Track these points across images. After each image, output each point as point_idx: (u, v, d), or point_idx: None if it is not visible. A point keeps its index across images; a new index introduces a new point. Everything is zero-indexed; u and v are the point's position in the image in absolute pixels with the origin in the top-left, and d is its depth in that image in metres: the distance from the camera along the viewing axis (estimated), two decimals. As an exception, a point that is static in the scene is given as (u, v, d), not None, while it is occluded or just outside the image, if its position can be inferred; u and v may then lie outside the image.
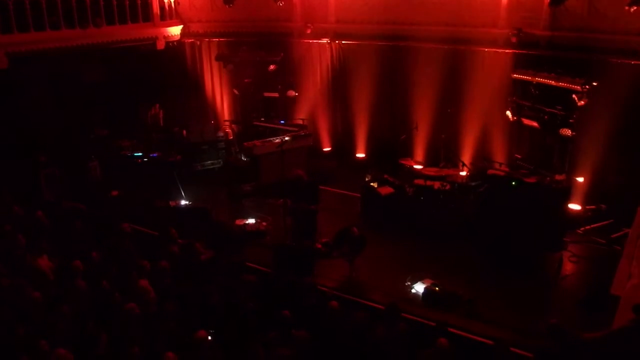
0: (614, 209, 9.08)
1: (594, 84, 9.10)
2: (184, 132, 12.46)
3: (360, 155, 12.63)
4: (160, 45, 13.07)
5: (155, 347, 5.63)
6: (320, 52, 12.75)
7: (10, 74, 10.08)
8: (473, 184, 9.90)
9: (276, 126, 12.80)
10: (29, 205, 8.96)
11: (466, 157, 10.79)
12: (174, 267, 7.44)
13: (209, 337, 5.78)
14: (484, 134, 10.95)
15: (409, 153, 11.03)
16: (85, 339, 5.70)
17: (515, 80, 10.38)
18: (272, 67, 12.91)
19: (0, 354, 5.46)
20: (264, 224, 9.81)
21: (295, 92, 13.26)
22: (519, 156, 10.51)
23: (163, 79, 13.00)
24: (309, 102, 12.96)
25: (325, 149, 12.75)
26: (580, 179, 9.67)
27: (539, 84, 9.90)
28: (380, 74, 12.08)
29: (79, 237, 8.21)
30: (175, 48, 13.45)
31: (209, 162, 12.22)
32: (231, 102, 14.15)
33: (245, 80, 13.44)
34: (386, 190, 10.07)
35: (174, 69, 13.34)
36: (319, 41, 12.68)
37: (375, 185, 10.25)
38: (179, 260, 7.73)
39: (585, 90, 9.12)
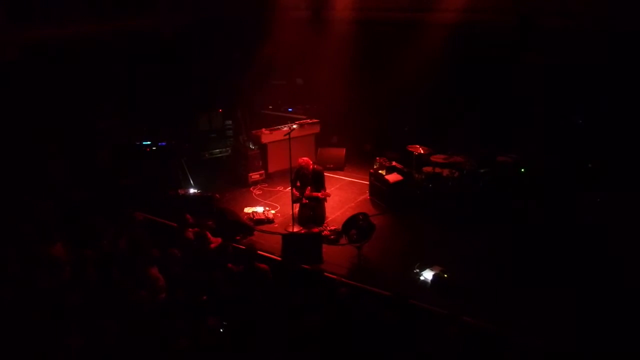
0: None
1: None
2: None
3: (368, 142, 12.60)
4: (168, 33, 13.03)
5: (166, 334, 5.69)
6: (327, 38, 12.64)
7: (20, 65, 10.11)
8: (482, 171, 9.85)
9: (284, 114, 12.81)
10: (39, 194, 9.04)
11: (476, 144, 10.71)
12: (184, 255, 7.50)
13: (221, 324, 5.84)
14: (496, 121, 10.86)
15: (417, 140, 10.96)
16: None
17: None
18: (278, 54, 12.84)
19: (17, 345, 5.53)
20: (272, 211, 9.83)
21: (302, 80, 13.21)
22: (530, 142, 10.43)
23: (171, 67, 12.95)
24: (317, 89, 12.89)
25: (334, 136, 12.73)
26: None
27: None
28: (388, 61, 11.98)
29: (89, 225, 8.28)
30: (182, 36, 13.39)
31: (217, 150, 12.24)
32: (238, 89, 14.09)
33: (251, 67, 13.39)
34: (394, 177, 10.06)
35: (181, 58, 13.29)
36: (327, 27, 12.59)
37: (383, 172, 10.24)
38: (190, 247, 7.80)
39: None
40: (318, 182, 9.50)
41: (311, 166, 9.56)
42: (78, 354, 5.30)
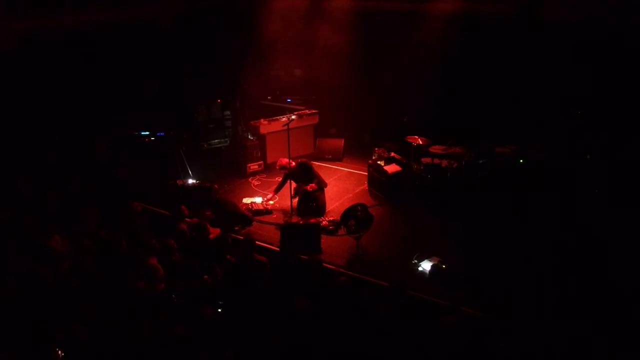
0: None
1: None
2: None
3: (367, 133, 12.58)
4: (166, 22, 12.94)
5: (164, 324, 5.71)
6: (326, 28, 12.57)
7: (19, 54, 10.05)
8: (480, 161, 9.86)
9: (283, 105, 12.77)
10: (38, 184, 9.02)
11: (475, 135, 10.70)
12: (182, 245, 7.50)
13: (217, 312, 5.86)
14: (495, 112, 10.84)
15: (416, 131, 10.96)
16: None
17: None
18: (277, 44, 12.78)
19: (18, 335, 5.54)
20: (271, 202, 9.83)
21: (301, 71, 13.16)
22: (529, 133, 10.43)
23: (169, 56, 12.90)
24: (316, 80, 12.84)
25: (333, 127, 12.71)
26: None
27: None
28: (387, 51, 11.92)
29: (87, 215, 8.27)
30: (180, 24, 13.30)
31: (216, 140, 12.22)
32: (237, 80, 14.04)
33: (250, 57, 13.33)
34: (393, 168, 10.06)
35: (180, 47, 13.22)
36: (326, 17, 12.51)
37: (382, 163, 10.23)
38: (188, 238, 7.80)
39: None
40: (307, 174, 9.47)
41: (292, 163, 9.53)
42: (83, 343, 5.32)
